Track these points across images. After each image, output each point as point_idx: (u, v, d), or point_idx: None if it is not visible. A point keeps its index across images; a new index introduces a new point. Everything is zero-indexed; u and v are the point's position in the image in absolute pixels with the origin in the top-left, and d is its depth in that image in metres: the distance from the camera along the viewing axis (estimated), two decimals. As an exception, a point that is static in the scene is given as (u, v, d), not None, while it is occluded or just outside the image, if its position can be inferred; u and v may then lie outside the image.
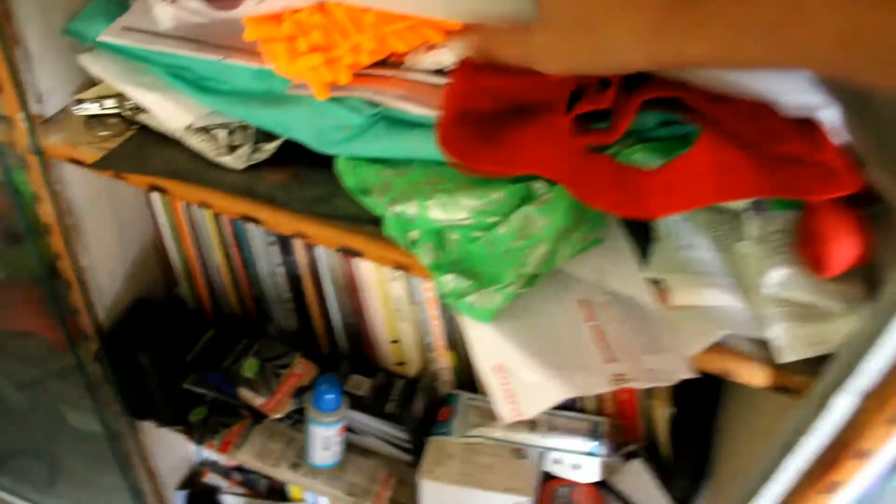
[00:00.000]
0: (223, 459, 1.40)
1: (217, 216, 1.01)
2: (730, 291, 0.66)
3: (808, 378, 0.63)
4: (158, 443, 1.28)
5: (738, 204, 0.70)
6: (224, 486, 1.41)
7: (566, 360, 0.62)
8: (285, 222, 0.73)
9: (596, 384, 0.61)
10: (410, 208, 0.64)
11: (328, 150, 0.69)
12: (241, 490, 1.41)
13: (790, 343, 0.62)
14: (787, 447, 0.63)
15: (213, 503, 1.39)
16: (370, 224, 0.70)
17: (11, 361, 1.33)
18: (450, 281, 0.64)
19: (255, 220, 0.74)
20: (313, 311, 1.05)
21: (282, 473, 1.05)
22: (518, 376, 0.63)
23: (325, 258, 0.98)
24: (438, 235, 0.65)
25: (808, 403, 0.61)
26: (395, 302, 0.97)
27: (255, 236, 1.00)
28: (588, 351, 0.63)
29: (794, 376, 0.63)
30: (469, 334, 0.65)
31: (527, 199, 0.63)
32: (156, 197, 1.01)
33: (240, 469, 1.42)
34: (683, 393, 0.95)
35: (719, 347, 0.64)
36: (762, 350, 0.64)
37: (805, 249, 0.60)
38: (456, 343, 0.99)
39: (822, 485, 0.62)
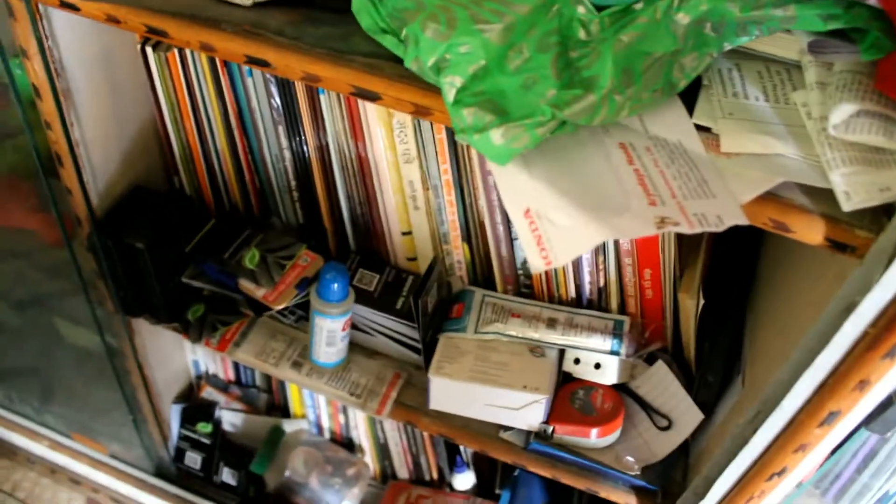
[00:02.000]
0: (220, 369, 1.35)
1: (222, 97, 0.94)
2: (786, 139, 0.60)
3: (870, 234, 0.57)
4: (155, 351, 1.23)
5: (793, 53, 0.63)
6: (222, 402, 1.36)
7: (604, 202, 0.56)
8: (295, 63, 0.66)
9: (638, 227, 0.55)
10: (442, 28, 0.58)
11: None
12: (239, 406, 1.36)
13: (855, 189, 0.55)
14: (846, 309, 0.57)
15: (210, 418, 1.34)
16: (389, 62, 0.64)
17: (4, 277, 1.27)
18: (469, 115, 0.57)
19: (262, 63, 0.68)
20: (321, 201, 0.99)
21: (283, 372, 0.99)
22: (550, 221, 0.56)
23: (335, 138, 0.91)
24: (469, 64, 0.58)
25: (875, 254, 0.55)
26: (409, 187, 0.91)
27: (262, 117, 0.94)
28: (629, 193, 0.56)
29: (855, 231, 0.57)
30: (497, 177, 0.59)
31: (568, 30, 0.56)
32: (155, 71, 0.94)
33: (239, 383, 1.37)
34: (714, 285, 0.90)
35: (773, 198, 0.58)
36: (820, 204, 0.58)
37: (885, 68, 0.54)
38: (471, 234, 0.93)
39: (885, 346, 0.56)
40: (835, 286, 0.61)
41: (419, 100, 0.63)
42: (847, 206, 0.55)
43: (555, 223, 0.56)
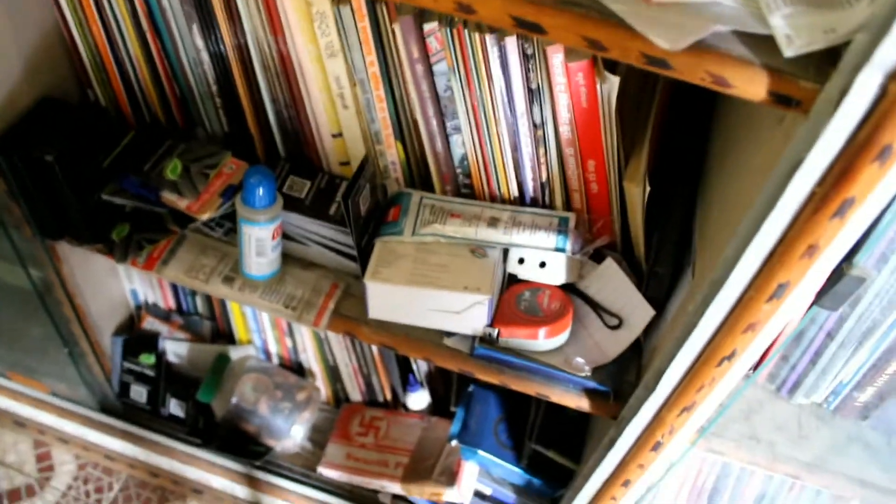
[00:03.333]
0: (160, 297, 1.29)
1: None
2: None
3: (815, 85, 0.52)
4: (86, 280, 1.17)
5: None
6: (165, 332, 1.30)
7: None
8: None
9: None
10: None
11: None
12: (182, 335, 1.31)
13: (797, 32, 0.51)
14: (791, 168, 0.53)
15: (153, 349, 1.28)
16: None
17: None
18: None
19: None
20: (245, 106, 0.92)
21: (214, 288, 0.94)
22: None
23: (253, 34, 0.85)
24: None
25: (821, 105, 0.51)
26: (335, 83, 0.85)
27: (174, 15, 0.87)
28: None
29: (799, 82, 0.52)
30: None
31: None
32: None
33: (181, 311, 1.31)
34: (663, 173, 0.85)
35: (710, 50, 0.53)
36: (762, 54, 0.53)
37: None
38: (404, 132, 0.88)
39: (833, 204, 0.52)
40: (782, 150, 0.57)
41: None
42: (789, 50, 0.51)
43: None
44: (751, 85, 0.53)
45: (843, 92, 0.47)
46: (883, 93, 0.46)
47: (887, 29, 0.44)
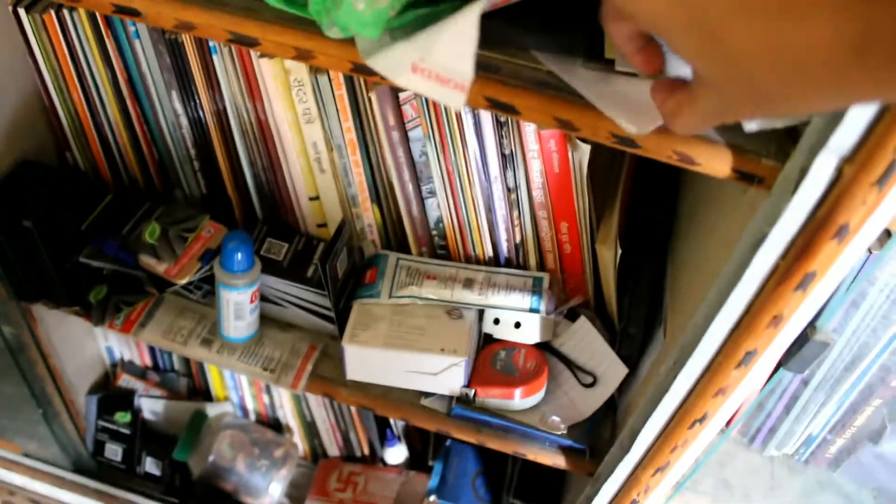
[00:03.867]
0: (136, 355, 1.29)
1: (109, 61, 0.88)
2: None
3: (776, 163, 0.55)
4: (62, 340, 1.16)
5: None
6: (140, 389, 1.30)
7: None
8: (168, 11, 0.61)
9: None
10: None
11: None
12: (158, 392, 1.30)
13: (758, 114, 0.53)
14: (756, 242, 0.55)
15: (129, 406, 1.28)
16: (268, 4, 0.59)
17: None
18: None
19: (132, 12, 0.62)
20: (223, 169, 0.93)
21: (192, 351, 0.94)
22: (434, 52, 0.51)
23: (232, 100, 0.86)
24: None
25: (782, 182, 0.53)
26: (312, 148, 0.87)
27: (154, 81, 0.88)
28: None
29: (762, 160, 0.55)
30: (373, 64, 0.54)
31: None
32: (32, 34, 0.88)
33: (157, 369, 1.31)
34: (634, 234, 0.87)
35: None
36: (726, 133, 0.56)
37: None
38: (381, 195, 0.89)
39: (795, 278, 0.54)
40: (746, 221, 0.59)
41: (301, 43, 0.59)
42: (750, 126, 0.53)
43: (438, 48, 0.51)
44: (715, 162, 0.56)
45: (802, 172, 0.50)
46: (838, 175, 0.48)
47: (841, 115, 0.46)
